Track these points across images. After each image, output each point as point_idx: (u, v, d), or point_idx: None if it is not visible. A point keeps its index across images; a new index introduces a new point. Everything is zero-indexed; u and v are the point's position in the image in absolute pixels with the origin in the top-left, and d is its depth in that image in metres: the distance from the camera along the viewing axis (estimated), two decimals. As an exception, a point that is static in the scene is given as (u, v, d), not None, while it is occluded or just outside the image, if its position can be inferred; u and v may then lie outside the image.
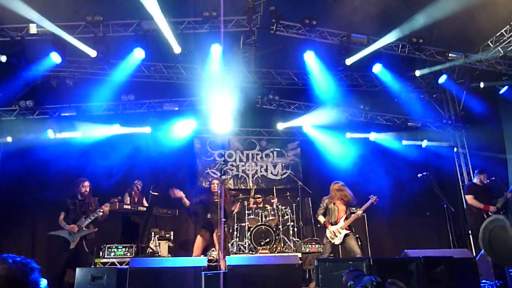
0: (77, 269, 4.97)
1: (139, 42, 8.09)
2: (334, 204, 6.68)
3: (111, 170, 8.99)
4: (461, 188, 10.62)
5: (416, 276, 3.73)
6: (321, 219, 6.65)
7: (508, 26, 8.68)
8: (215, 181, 7.08)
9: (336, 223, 6.53)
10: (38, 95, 9.26)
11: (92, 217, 6.42)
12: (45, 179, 8.82)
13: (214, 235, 6.63)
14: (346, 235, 6.46)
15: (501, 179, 8.72)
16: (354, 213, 6.74)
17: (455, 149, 10.96)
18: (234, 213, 9.10)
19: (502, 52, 9.19)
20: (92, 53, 7.90)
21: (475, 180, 7.67)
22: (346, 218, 6.56)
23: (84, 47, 7.87)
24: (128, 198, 8.28)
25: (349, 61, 8.67)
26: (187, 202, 7.14)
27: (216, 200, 6.70)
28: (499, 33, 8.93)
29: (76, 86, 9.41)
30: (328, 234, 6.55)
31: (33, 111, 9.54)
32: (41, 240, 8.85)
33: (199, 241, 6.63)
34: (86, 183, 6.61)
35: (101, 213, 6.42)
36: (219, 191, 6.77)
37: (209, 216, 6.70)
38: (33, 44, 7.97)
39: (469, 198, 7.31)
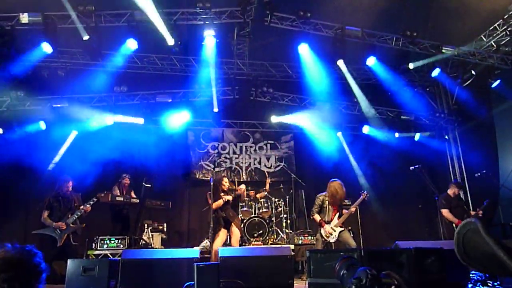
0: (69, 261, 4.93)
1: (132, 33, 8.01)
2: (328, 201, 6.59)
3: (103, 162, 8.94)
4: (453, 180, 10.72)
5: (407, 267, 3.76)
6: (317, 217, 6.54)
7: (501, 20, 8.71)
8: (226, 179, 6.98)
9: (330, 221, 6.52)
10: (29, 86, 9.15)
11: (79, 213, 6.39)
12: (36, 172, 8.75)
13: (232, 229, 6.63)
14: (340, 232, 6.44)
15: (492, 172, 8.82)
16: (347, 209, 6.70)
17: (446, 139, 11.03)
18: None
19: (495, 45, 9.23)
20: (84, 36, 7.79)
21: (449, 191, 7.70)
22: (339, 216, 6.53)
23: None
24: (117, 191, 8.26)
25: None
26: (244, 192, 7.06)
27: (225, 196, 6.69)
28: (492, 27, 8.97)
29: (68, 77, 9.31)
30: (323, 233, 6.45)
31: (24, 102, 9.44)
32: (34, 234, 8.80)
33: (220, 238, 6.59)
34: (70, 183, 6.56)
35: (80, 214, 6.39)
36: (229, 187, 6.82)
37: (223, 214, 6.67)
38: (24, 34, 7.86)
39: (445, 212, 7.42)
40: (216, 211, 6.56)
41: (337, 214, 6.52)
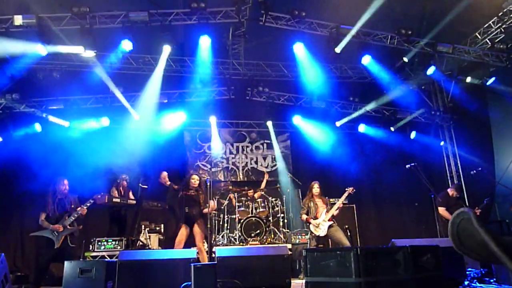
0: (66, 262, 4.93)
1: (127, 34, 7.99)
2: (313, 202, 6.87)
3: (99, 164, 8.92)
4: (449, 178, 10.76)
5: (403, 265, 3.76)
6: (304, 217, 6.85)
7: (496, 17, 8.74)
8: (195, 176, 6.94)
9: (317, 217, 6.70)
10: (24, 88, 9.12)
11: (76, 215, 6.35)
12: (32, 173, 8.70)
13: (194, 229, 6.53)
14: (329, 226, 6.61)
15: (488, 170, 8.86)
16: (334, 204, 6.94)
17: (441, 143, 11.07)
18: (223, 205, 9.10)
19: (490, 43, 9.26)
20: (79, 49, 7.79)
21: (449, 190, 7.76)
22: (328, 211, 6.73)
23: (72, 48, 7.74)
24: (116, 193, 8.24)
25: (338, 49, 8.66)
26: (167, 182, 6.77)
27: (191, 194, 6.63)
28: (487, 24, 9.00)
29: (63, 78, 9.28)
30: (311, 228, 6.71)
31: (19, 104, 9.40)
32: (29, 236, 8.76)
33: (181, 236, 6.50)
34: (66, 181, 6.52)
35: (77, 216, 6.35)
36: (197, 186, 6.69)
37: (187, 210, 6.56)
38: (18, 36, 7.83)
39: (442, 210, 7.48)
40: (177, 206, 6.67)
41: (325, 210, 6.75)
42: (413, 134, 11.02)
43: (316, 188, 6.96)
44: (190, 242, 6.68)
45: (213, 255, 5.99)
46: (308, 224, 6.83)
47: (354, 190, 6.97)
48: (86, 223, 6.98)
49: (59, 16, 7.69)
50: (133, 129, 10.05)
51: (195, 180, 6.77)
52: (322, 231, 6.56)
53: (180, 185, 6.76)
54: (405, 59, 9.28)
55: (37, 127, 9.33)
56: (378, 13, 8.21)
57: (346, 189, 6.98)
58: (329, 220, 6.64)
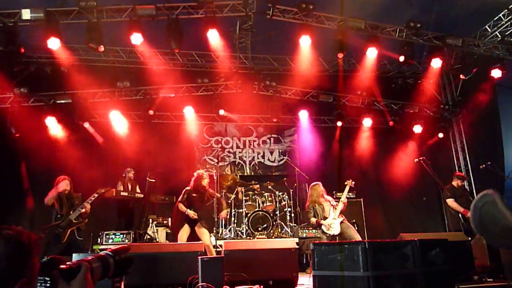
0: (74, 255, 4.99)
1: (134, 28, 7.96)
2: (317, 203, 6.82)
3: (107, 157, 8.98)
4: (456, 172, 10.67)
5: (412, 259, 3.75)
6: (313, 220, 6.80)
7: (506, 10, 8.61)
8: (204, 174, 6.90)
9: (326, 217, 6.68)
10: (32, 82, 9.17)
11: (81, 209, 6.36)
12: (41, 167, 8.77)
13: (196, 228, 6.54)
14: (341, 222, 6.57)
15: (497, 164, 8.77)
16: (338, 199, 6.90)
17: (451, 130, 10.97)
18: (231, 200, 9.12)
19: (500, 36, 9.13)
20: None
21: (453, 182, 7.69)
22: (334, 208, 6.70)
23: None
24: (122, 186, 8.29)
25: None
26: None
27: (199, 194, 6.69)
28: (497, 17, 8.87)
29: (71, 72, 9.31)
30: (324, 228, 6.62)
31: (28, 98, 9.46)
32: (41, 230, 8.82)
33: (182, 235, 6.53)
34: (68, 181, 6.54)
35: (83, 210, 6.37)
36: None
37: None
38: (26, 30, 7.86)
39: (450, 201, 7.40)
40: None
41: (331, 208, 6.69)
42: (418, 128, 10.89)
43: (322, 189, 6.88)
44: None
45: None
46: (319, 226, 6.75)
47: (354, 182, 6.94)
48: (94, 217, 7.01)
49: (66, 10, 7.69)
50: (140, 123, 10.09)
51: (205, 179, 6.74)
52: (335, 230, 6.49)
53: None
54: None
55: (47, 121, 9.37)
56: (386, 6, 8.14)
57: (346, 182, 6.93)
58: (339, 217, 6.59)
